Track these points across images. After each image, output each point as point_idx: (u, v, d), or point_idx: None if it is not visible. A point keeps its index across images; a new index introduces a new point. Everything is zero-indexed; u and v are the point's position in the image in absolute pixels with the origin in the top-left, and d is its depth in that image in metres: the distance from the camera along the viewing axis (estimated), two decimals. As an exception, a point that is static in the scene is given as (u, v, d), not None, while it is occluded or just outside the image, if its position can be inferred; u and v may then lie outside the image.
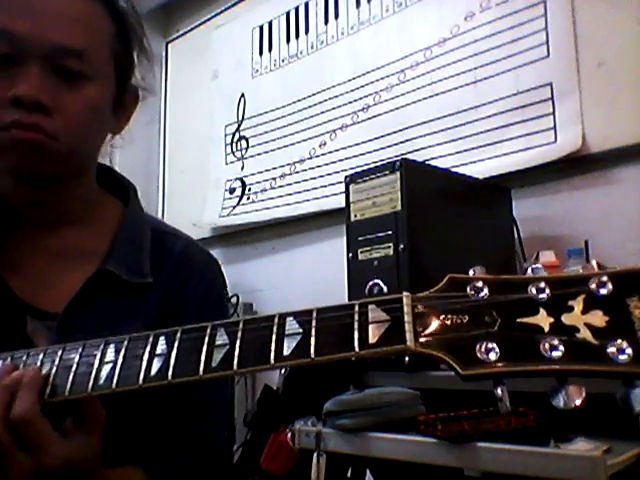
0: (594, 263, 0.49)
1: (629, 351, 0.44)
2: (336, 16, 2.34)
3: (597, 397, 1.18)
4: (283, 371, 1.77)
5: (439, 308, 0.49)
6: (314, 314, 0.52)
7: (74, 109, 0.69)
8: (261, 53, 2.60)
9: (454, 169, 1.82)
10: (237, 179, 2.61)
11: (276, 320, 0.53)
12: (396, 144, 2.08)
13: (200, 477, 0.75)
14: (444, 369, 1.32)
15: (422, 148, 2.00)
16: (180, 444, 0.75)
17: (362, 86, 2.22)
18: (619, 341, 0.44)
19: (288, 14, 2.52)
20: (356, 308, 0.51)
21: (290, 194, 2.39)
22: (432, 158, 1.94)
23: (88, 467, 0.59)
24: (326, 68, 2.35)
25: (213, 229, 2.66)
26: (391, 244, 1.39)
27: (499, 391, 0.47)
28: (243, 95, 2.64)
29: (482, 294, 0.49)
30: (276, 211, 2.42)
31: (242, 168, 2.60)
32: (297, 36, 2.47)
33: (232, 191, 2.62)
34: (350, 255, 1.47)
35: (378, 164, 1.55)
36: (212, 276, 0.85)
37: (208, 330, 0.54)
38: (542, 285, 0.48)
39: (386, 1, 2.19)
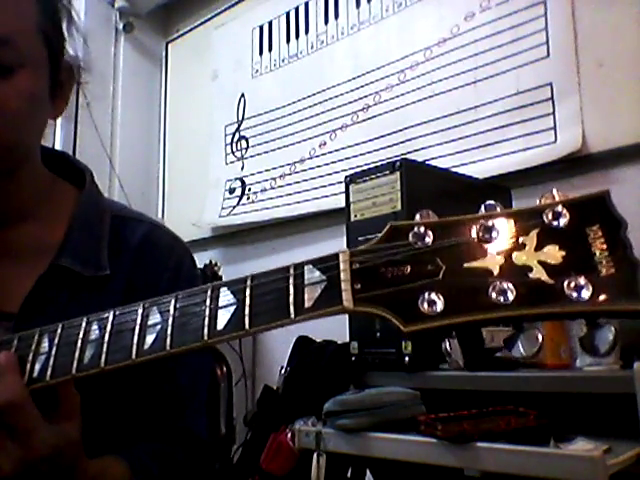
0: (554, 192, 0.45)
1: (590, 287, 0.39)
2: (336, 16, 2.34)
3: (597, 397, 1.18)
4: (283, 371, 1.77)
5: (379, 261, 0.45)
6: (248, 282, 0.49)
7: (8, 102, 0.64)
8: (261, 53, 2.60)
9: (454, 169, 1.82)
10: (237, 179, 2.61)
11: (209, 292, 0.50)
12: (396, 144, 2.08)
13: (182, 469, 0.73)
14: (444, 369, 1.33)
15: (422, 148, 2.00)
16: (159, 437, 0.72)
17: (362, 86, 2.22)
18: (578, 277, 0.40)
19: (288, 14, 2.51)
20: (291, 271, 0.48)
21: (290, 194, 2.39)
22: (432, 158, 1.94)
23: (73, 454, 0.56)
24: (326, 68, 2.35)
25: (213, 229, 2.65)
26: (391, 244, 1.39)
27: (448, 345, 0.43)
28: (243, 95, 2.64)
29: (426, 241, 0.45)
30: (276, 211, 2.42)
31: (242, 168, 2.60)
32: (297, 36, 2.47)
33: (232, 191, 2.61)
34: (350, 255, 1.47)
35: (378, 164, 1.55)
36: (178, 259, 0.81)
37: (140, 311, 0.52)
38: (490, 223, 0.43)
39: (386, 1, 2.19)
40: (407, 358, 1.34)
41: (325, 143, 2.31)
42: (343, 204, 1.54)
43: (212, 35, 2.82)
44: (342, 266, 0.46)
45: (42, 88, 0.70)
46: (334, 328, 1.40)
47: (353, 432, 1.25)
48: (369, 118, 2.19)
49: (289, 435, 1.47)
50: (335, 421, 1.28)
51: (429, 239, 0.45)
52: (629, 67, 1.64)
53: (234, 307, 0.48)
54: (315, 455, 1.29)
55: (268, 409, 1.84)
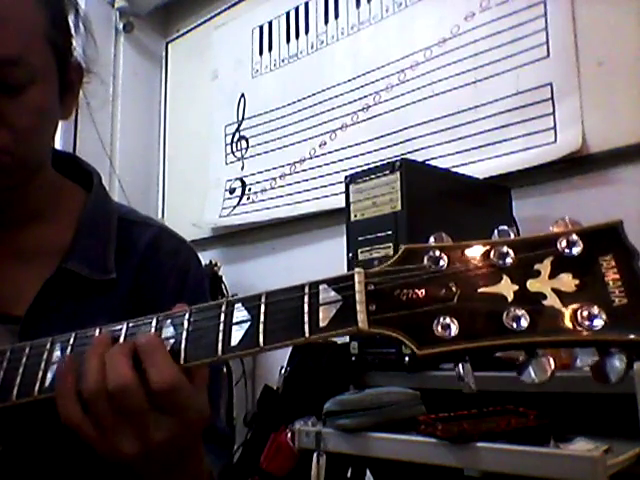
0: (567, 219, 0.45)
1: (602, 316, 0.40)
2: (336, 16, 2.34)
3: (597, 397, 1.18)
4: (283, 371, 1.77)
5: (394, 283, 0.45)
6: (263, 299, 0.49)
7: (21, 119, 0.64)
8: (261, 53, 2.60)
9: (454, 169, 1.82)
10: (237, 179, 2.61)
11: (224, 308, 0.50)
12: (396, 144, 2.08)
13: (223, 469, 0.73)
14: (444, 369, 1.32)
15: (422, 148, 2.00)
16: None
17: (362, 86, 2.22)
18: (591, 306, 0.40)
19: (288, 14, 2.52)
20: (306, 289, 0.48)
21: (290, 194, 2.39)
22: (432, 158, 1.94)
23: (204, 422, 0.55)
24: (326, 68, 2.35)
25: (213, 229, 2.65)
26: (391, 244, 1.39)
27: (461, 369, 0.43)
28: (243, 95, 2.64)
29: (440, 264, 0.45)
30: (276, 211, 2.42)
31: (242, 168, 2.60)
32: (297, 36, 2.47)
33: (232, 191, 2.61)
34: (350, 255, 1.47)
35: (378, 164, 1.55)
36: (185, 262, 0.80)
37: (153, 323, 0.52)
38: (505, 249, 0.44)
39: (386, 1, 2.19)
40: (407, 358, 1.34)
41: (325, 143, 2.31)
42: (343, 204, 1.54)
43: (212, 35, 2.82)
44: (357, 287, 0.46)
45: (52, 97, 0.70)
46: (334, 328, 1.40)
47: (353, 432, 1.25)
48: (369, 118, 2.19)
49: (289, 435, 1.47)
50: (335, 421, 1.28)
51: (443, 263, 0.45)
52: (629, 67, 1.64)
53: (248, 324, 0.48)
54: (315, 455, 1.29)
55: (268, 409, 1.84)
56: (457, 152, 1.92)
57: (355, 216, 1.49)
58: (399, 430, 1.21)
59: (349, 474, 1.45)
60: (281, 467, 1.50)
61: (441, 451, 1.11)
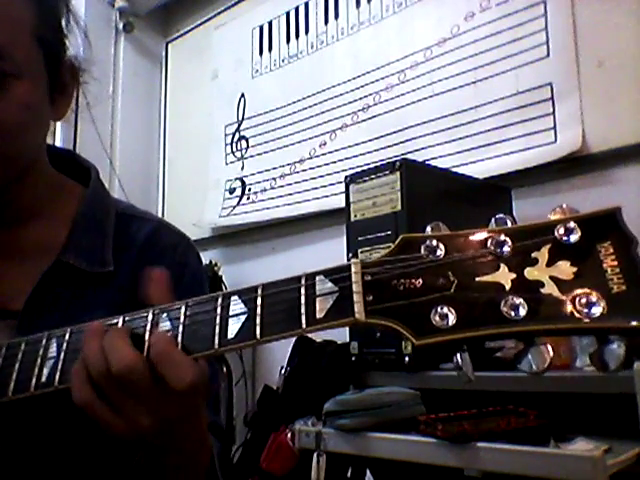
0: (565, 206, 0.45)
1: (601, 304, 0.39)
2: (336, 16, 2.34)
3: (597, 397, 1.18)
4: (283, 371, 1.78)
5: (391, 273, 0.45)
6: (259, 291, 0.49)
7: (5, 114, 0.64)
8: (261, 53, 2.60)
9: (454, 169, 1.82)
10: (237, 179, 2.61)
11: (220, 301, 0.50)
12: (396, 144, 2.08)
13: (221, 460, 0.72)
14: (444, 369, 1.33)
15: (422, 148, 2.00)
16: None
17: (362, 86, 2.22)
18: (589, 294, 0.40)
19: (288, 14, 2.52)
20: (303, 281, 0.48)
21: (290, 194, 2.39)
22: (432, 158, 1.94)
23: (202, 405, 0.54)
24: (326, 68, 2.35)
25: (213, 229, 2.65)
26: (391, 244, 1.39)
27: (459, 359, 0.43)
28: (243, 95, 2.64)
29: (437, 254, 0.45)
30: (276, 211, 2.42)
31: (242, 168, 2.60)
32: (297, 36, 2.47)
33: (232, 191, 2.61)
34: (350, 255, 1.47)
35: (378, 164, 1.55)
36: (182, 256, 0.80)
37: (149, 317, 0.52)
38: (502, 238, 0.44)
39: (386, 1, 2.19)
40: (407, 358, 1.34)
41: (325, 143, 2.31)
42: (343, 204, 1.54)
43: (212, 35, 2.82)
44: (354, 277, 0.46)
45: (40, 95, 0.69)
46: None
47: (353, 432, 1.25)
48: (369, 118, 2.19)
49: (289, 435, 1.47)
50: (335, 421, 1.28)
51: (441, 252, 0.45)
52: (629, 67, 1.64)
53: (245, 316, 0.48)
54: (315, 455, 1.29)
55: (268, 409, 1.84)
56: (457, 152, 1.92)
57: (355, 216, 1.49)
58: (399, 430, 1.21)
59: (349, 474, 1.45)
60: (281, 467, 1.51)
61: (441, 451, 1.11)
